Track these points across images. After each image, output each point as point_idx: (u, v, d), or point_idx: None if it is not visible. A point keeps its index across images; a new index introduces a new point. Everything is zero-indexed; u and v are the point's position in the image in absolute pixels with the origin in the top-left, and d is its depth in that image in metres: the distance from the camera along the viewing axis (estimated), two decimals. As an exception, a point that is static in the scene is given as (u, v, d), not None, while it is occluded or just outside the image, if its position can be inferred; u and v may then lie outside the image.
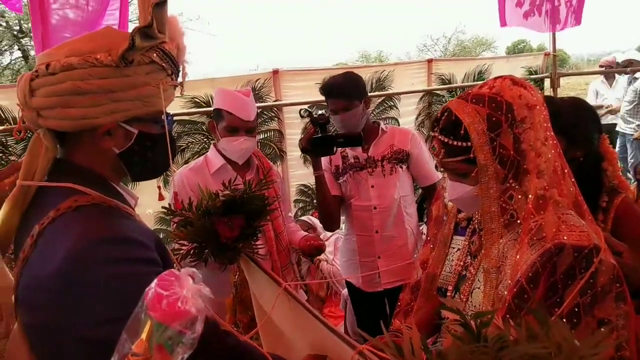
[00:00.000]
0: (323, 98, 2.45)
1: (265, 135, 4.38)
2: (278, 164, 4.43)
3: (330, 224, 2.61)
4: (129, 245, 0.91)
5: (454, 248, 1.40)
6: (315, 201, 4.58)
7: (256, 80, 4.30)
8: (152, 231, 1.05)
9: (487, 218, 1.22)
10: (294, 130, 4.54)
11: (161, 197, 1.16)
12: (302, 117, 2.38)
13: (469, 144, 1.18)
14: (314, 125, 2.27)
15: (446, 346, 0.69)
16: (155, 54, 0.97)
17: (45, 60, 0.93)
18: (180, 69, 1.06)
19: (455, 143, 1.21)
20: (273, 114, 4.44)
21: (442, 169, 1.37)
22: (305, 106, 4.47)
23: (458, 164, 1.23)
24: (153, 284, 0.56)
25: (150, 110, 1.00)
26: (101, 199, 0.97)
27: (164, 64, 0.99)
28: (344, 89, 2.34)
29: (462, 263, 1.34)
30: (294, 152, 4.56)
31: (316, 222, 4.00)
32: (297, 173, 4.58)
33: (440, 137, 1.24)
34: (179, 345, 0.56)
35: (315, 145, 2.27)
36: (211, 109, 3.78)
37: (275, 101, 4.42)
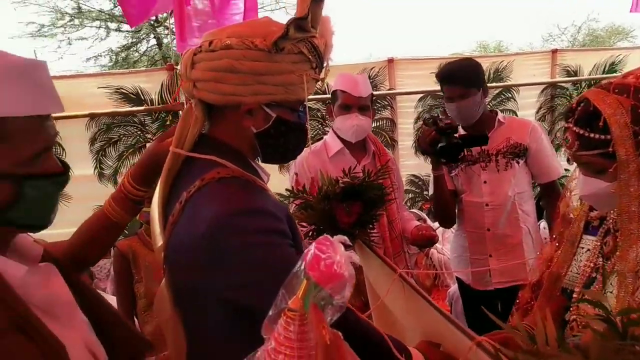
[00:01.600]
0: (438, 88, 2.39)
1: (378, 124, 4.40)
2: (389, 153, 4.43)
3: (446, 222, 2.56)
4: (264, 217, 0.99)
5: (582, 248, 1.32)
6: (425, 192, 4.53)
7: (371, 69, 4.33)
8: (284, 205, 1.13)
9: (625, 218, 1.14)
10: (406, 119, 4.51)
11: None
12: (426, 125, 2.26)
13: (608, 137, 1.11)
14: (439, 135, 2.16)
15: (585, 341, 0.67)
16: (304, 46, 1.03)
17: (209, 39, 1.04)
18: (324, 65, 1.11)
19: (592, 135, 1.14)
20: (386, 103, 4.44)
21: (573, 163, 1.29)
22: (419, 95, 4.47)
23: (593, 158, 1.16)
24: (312, 246, 0.61)
25: (291, 98, 1.07)
26: (240, 173, 1.05)
27: (310, 57, 1.05)
28: (461, 75, 2.24)
29: (592, 264, 1.27)
30: (405, 142, 4.54)
31: (425, 215, 3.96)
32: (408, 163, 4.54)
33: (575, 128, 1.17)
34: (329, 306, 0.61)
35: (441, 153, 2.18)
36: (325, 96, 3.95)
37: (389, 90, 4.42)
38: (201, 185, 1.01)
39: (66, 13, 11.32)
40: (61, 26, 11.41)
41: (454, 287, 3.15)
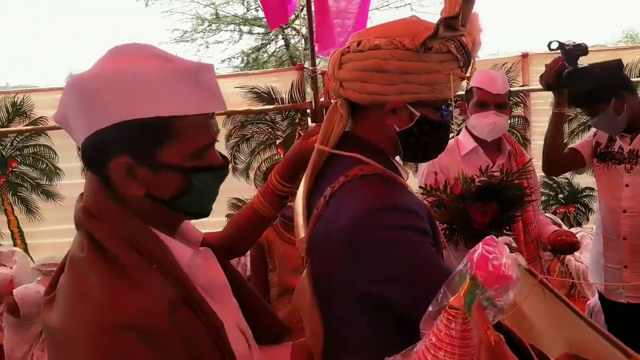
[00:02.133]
0: None
1: (510, 122, 4.17)
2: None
3: (550, 169, 2.37)
4: (406, 214, 1.00)
5: None
6: (559, 195, 4.21)
7: (503, 64, 4.12)
8: (425, 204, 1.13)
9: None
10: (540, 117, 4.22)
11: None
12: (550, 49, 2.06)
13: None
14: (568, 59, 1.97)
15: None
16: (453, 45, 1.02)
17: (357, 39, 1.07)
18: (471, 63, 1.09)
19: None
20: (519, 100, 4.20)
21: None
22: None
23: None
24: (479, 246, 0.61)
25: (436, 97, 1.06)
26: (382, 170, 1.07)
27: (458, 56, 1.04)
28: (584, 96, 2.04)
29: None
30: (538, 141, 4.23)
31: (560, 220, 3.68)
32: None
33: None
34: (491, 307, 0.60)
35: (569, 78, 1.99)
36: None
37: (522, 86, 4.17)
38: (345, 182, 1.04)
39: (205, 19, 12.31)
40: (201, 31, 12.45)
41: (594, 300, 2.90)
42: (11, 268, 3.75)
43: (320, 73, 3.93)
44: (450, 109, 1.11)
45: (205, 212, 0.93)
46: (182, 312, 0.79)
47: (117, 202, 0.82)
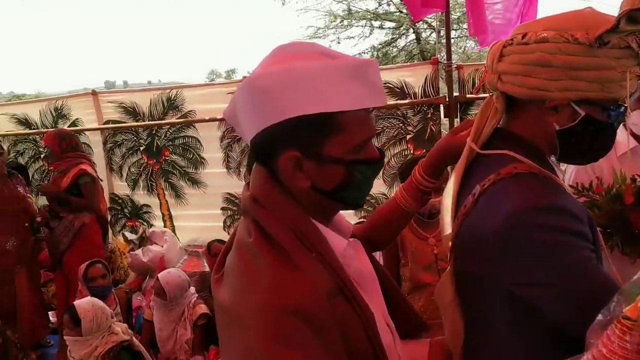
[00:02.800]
0: None
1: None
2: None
3: None
4: (564, 216, 0.92)
5: None
6: None
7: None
8: (583, 206, 1.03)
9: None
10: None
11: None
12: None
13: None
14: None
15: None
16: (634, 40, 0.92)
17: (522, 31, 1.00)
18: None
19: None
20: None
21: None
22: None
23: None
24: None
25: (606, 96, 0.96)
26: (537, 169, 1.00)
27: (639, 52, 0.93)
28: None
29: None
30: None
31: None
32: None
33: None
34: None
35: None
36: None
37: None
38: (496, 180, 0.99)
39: (338, 15, 12.55)
40: (333, 27, 12.71)
41: None
42: (162, 247, 4.17)
43: (455, 67, 3.80)
44: (622, 109, 1.00)
45: (361, 203, 0.95)
46: (339, 301, 0.82)
47: (282, 192, 0.87)
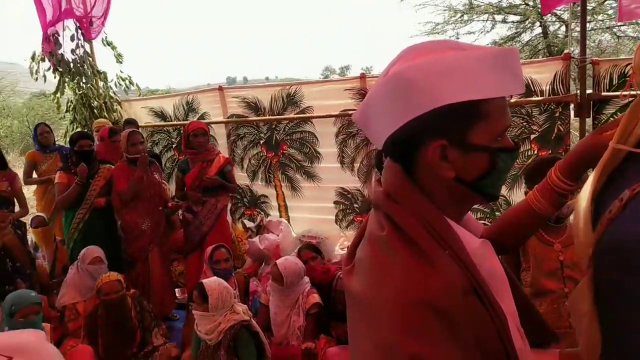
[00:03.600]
0: None
1: None
2: None
3: None
4: None
5: None
6: None
7: None
8: None
9: None
10: None
11: None
12: None
13: None
14: None
15: None
16: None
17: None
18: None
19: None
20: None
21: None
22: None
23: None
24: None
25: None
26: None
27: None
28: None
29: None
30: None
31: None
32: None
33: None
34: None
35: None
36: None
37: None
38: None
39: (458, 10, 12.13)
40: (452, 23, 12.31)
41: None
42: (278, 235, 4.37)
43: (590, 62, 3.51)
44: None
45: (497, 194, 0.93)
46: (471, 299, 0.81)
47: (416, 189, 0.88)
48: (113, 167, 4.12)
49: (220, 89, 5.31)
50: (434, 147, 0.84)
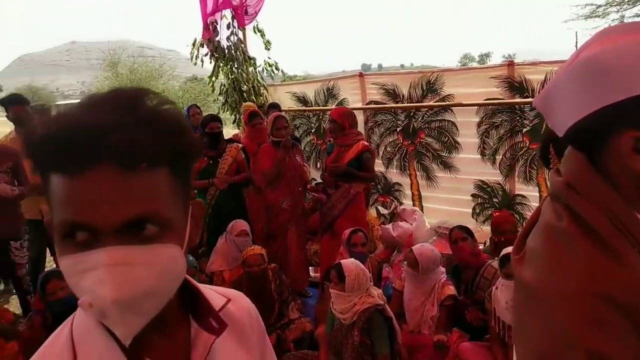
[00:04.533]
0: None
1: None
2: None
3: None
4: None
5: None
6: None
7: None
8: None
9: None
10: None
11: None
12: None
13: None
14: None
15: None
16: None
17: None
18: None
19: None
20: None
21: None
22: None
23: None
24: None
25: None
26: None
27: None
28: None
29: None
30: None
31: None
32: None
33: None
34: None
35: None
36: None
37: None
38: None
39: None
40: (616, 4, 11.07)
41: None
42: (411, 224, 4.34)
43: None
44: None
45: None
46: None
47: (601, 179, 0.84)
48: (239, 146, 4.44)
49: (361, 75, 5.38)
50: (627, 138, 0.78)
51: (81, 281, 0.56)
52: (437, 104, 4.74)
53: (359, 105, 5.32)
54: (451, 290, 3.06)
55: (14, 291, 4.31)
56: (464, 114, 4.62)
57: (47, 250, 4.64)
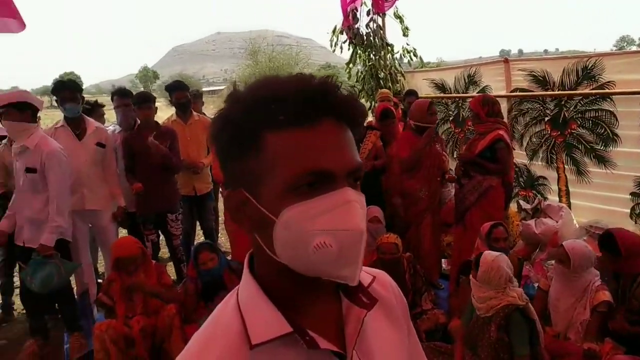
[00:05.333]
0: None
1: None
2: None
3: None
4: None
5: None
6: None
7: None
8: None
9: None
10: None
11: None
12: None
13: None
14: None
15: None
16: None
17: None
18: None
19: None
20: None
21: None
22: None
23: None
24: None
25: None
26: None
27: None
28: None
29: None
30: None
31: None
32: None
33: None
34: None
35: None
36: None
37: None
38: None
39: None
40: None
41: None
42: (557, 222, 4.03)
43: None
44: None
45: None
46: None
47: None
48: (378, 132, 4.38)
49: (506, 61, 5.08)
50: None
51: (321, 222, 0.61)
52: (594, 91, 4.30)
53: (502, 92, 5.04)
54: (606, 295, 2.77)
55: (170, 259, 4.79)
56: (626, 103, 4.14)
57: (198, 223, 5.08)
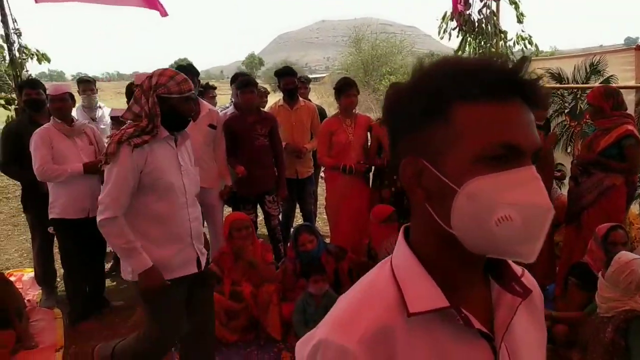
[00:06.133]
0: None
1: None
2: None
3: None
4: None
5: None
6: None
7: None
8: None
9: None
10: None
11: None
12: None
13: None
14: None
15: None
16: None
17: None
18: None
19: None
20: None
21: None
22: None
23: None
24: None
25: None
26: None
27: None
28: None
29: None
30: None
31: None
32: None
33: None
34: None
35: None
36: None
37: None
38: None
39: None
40: None
41: None
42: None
43: None
44: None
45: None
46: None
47: None
48: None
49: (638, 48, 4.61)
50: None
51: (510, 195, 0.62)
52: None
53: (632, 83, 4.58)
54: None
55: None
56: None
57: (297, 206, 5.20)
